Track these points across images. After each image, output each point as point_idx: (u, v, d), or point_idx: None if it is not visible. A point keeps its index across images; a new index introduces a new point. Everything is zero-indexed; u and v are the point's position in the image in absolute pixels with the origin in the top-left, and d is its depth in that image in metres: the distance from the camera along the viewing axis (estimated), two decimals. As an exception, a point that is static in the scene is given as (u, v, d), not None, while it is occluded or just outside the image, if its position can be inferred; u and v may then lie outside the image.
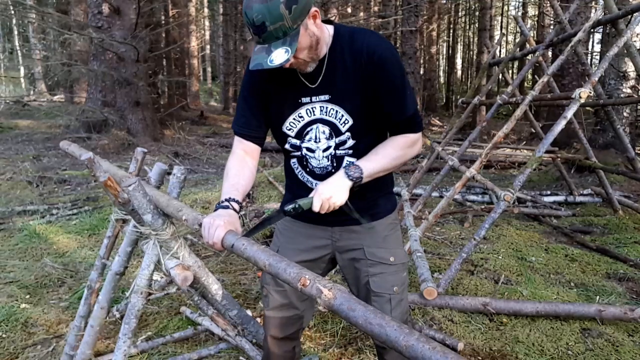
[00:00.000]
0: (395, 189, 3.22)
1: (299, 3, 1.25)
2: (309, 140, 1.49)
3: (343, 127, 1.46)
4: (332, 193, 1.33)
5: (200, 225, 1.33)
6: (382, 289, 1.57)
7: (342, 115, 1.44)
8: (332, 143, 1.48)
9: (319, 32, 1.36)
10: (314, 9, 1.32)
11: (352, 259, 1.60)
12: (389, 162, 1.43)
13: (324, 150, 1.49)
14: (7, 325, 2.63)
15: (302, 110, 1.47)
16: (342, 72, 1.42)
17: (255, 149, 1.56)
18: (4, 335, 2.55)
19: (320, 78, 1.43)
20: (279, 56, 1.27)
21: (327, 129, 1.47)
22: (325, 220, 1.54)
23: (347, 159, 1.49)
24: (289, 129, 1.50)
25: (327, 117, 1.46)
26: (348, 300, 0.93)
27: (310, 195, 1.35)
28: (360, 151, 1.46)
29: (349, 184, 1.35)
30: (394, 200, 1.68)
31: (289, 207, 1.35)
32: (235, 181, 1.47)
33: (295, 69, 1.42)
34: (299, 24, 1.27)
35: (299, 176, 1.57)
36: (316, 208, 1.33)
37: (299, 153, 1.53)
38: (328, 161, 1.50)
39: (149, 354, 2.39)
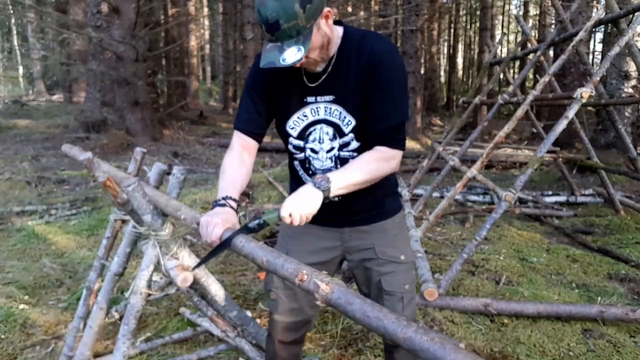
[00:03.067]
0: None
1: (313, 2, 1.24)
2: (312, 141, 1.49)
3: (346, 128, 1.45)
4: (299, 203, 1.27)
5: (198, 224, 1.32)
6: (394, 287, 1.56)
7: (345, 117, 1.44)
8: (336, 144, 1.47)
9: (330, 32, 1.36)
10: (326, 9, 1.31)
11: (363, 259, 1.59)
12: (360, 174, 1.35)
13: (328, 152, 1.48)
14: (5, 326, 2.61)
15: (307, 110, 1.46)
16: (345, 73, 1.41)
17: (253, 145, 1.55)
18: (2, 336, 2.54)
19: (324, 78, 1.42)
20: (292, 55, 1.26)
21: (330, 130, 1.46)
22: (334, 222, 1.54)
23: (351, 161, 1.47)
24: (292, 128, 1.50)
25: (330, 118, 1.45)
26: (345, 294, 0.93)
27: (275, 208, 1.31)
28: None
29: (319, 194, 1.28)
30: (399, 200, 1.68)
31: (254, 223, 1.29)
32: (232, 179, 1.45)
33: (301, 68, 1.41)
34: (312, 23, 1.27)
35: (302, 178, 1.56)
36: (286, 220, 1.27)
37: (302, 154, 1.52)
38: (332, 162, 1.49)
39: (148, 355, 2.38)
